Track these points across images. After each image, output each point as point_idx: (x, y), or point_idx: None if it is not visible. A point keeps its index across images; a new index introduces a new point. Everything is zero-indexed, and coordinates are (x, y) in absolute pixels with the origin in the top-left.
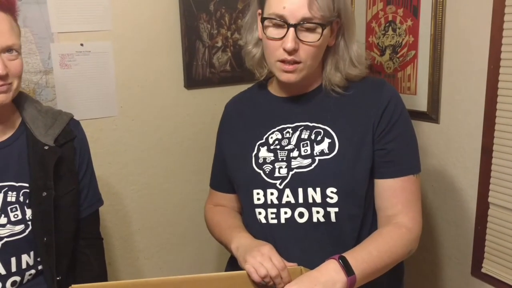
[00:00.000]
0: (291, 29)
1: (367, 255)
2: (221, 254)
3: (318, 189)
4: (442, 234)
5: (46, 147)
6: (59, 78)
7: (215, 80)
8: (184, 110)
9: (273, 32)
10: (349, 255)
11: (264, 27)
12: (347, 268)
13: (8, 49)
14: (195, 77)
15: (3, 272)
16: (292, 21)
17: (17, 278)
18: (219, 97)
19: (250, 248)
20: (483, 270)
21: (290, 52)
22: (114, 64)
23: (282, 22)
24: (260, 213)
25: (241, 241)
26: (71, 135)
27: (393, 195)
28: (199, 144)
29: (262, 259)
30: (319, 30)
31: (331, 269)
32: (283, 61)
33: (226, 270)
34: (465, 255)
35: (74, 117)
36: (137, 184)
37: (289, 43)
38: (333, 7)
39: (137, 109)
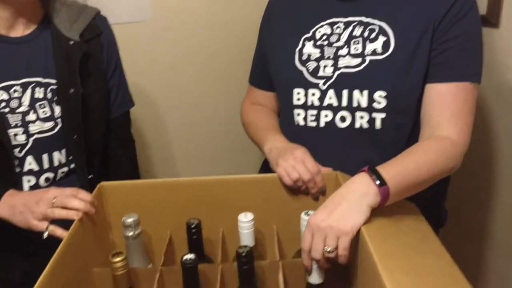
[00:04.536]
0: None
1: (403, 168)
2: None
3: (365, 92)
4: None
5: (71, 42)
6: None
7: None
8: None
9: None
10: (382, 167)
11: None
12: (378, 179)
13: None
14: None
15: (36, 168)
16: None
17: (50, 175)
18: None
19: (284, 151)
20: None
21: None
22: None
23: None
24: (299, 114)
25: (275, 144)
26: (98, 30)
27: (442, 101)
28: (239, 50)
29: (295, 163)
30: None
31: (359, 182)
32: None
33: (259, 173)
34: None
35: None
36: (169, 94)
37: None
38: None
39: (172, 15)
